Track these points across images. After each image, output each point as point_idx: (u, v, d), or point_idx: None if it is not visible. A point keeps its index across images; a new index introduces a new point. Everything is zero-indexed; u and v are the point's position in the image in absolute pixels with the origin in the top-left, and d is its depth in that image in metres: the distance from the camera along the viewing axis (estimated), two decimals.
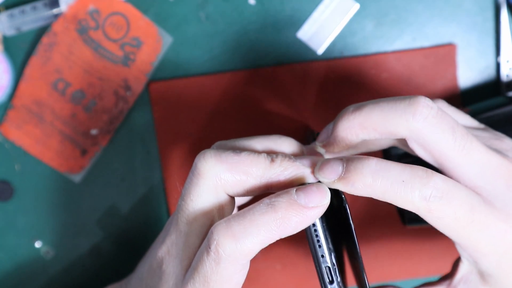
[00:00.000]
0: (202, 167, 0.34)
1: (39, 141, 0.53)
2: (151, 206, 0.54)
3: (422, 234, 0.53)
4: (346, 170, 0.33)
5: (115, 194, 0.54)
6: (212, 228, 0.32)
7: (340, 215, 0.36)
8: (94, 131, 0.53)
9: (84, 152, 0.53)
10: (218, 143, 0.37)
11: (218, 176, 0.34)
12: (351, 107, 0.36)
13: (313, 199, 0.32)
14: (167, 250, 0.36)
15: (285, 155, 0.34)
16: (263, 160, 0.34)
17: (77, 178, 0.53)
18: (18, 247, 0.54)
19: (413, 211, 0.34)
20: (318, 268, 0.34)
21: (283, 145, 0.37)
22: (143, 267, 0.40)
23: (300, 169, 0.34)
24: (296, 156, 0.35)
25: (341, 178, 0.33)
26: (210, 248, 0.32)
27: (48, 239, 0.54)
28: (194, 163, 0.34)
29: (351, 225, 0.35)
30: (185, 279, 0.35)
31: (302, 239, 0.53)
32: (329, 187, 0.34)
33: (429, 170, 0.33)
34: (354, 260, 0.38)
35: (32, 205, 0.54)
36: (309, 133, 0.50)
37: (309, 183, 0.34)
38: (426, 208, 0.33)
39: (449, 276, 0.39)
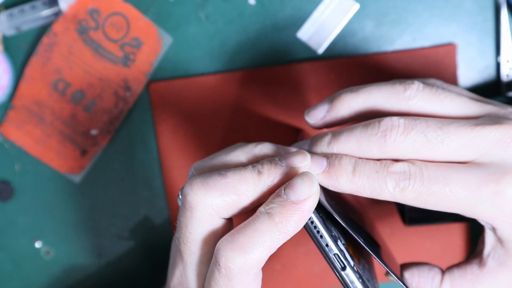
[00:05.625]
0: (193, 200, 0.33)
1: (39, 141, 0.53)
2: (151, 206, 0.54)
3: (422, 234, 0.53)
4: (330, 165, 0.35)
5: (115, 194, 0.54)
6: (218, 244, 0.32)
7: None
8: (94, 131, 0.53)
9: (84, 152, 0.53)
10: (196, 165, 0.36)
11: (210, 206, 0.33)
12: (326, 138, 0.36)
13: (301, 191, 0.32)
14: (178, 282, 0.37)
15: (270, 160, 0.34)
16: (250, 175, 0.34)
17: (77, 178, 0.53)
18: (18, 247, 0.54)
19: (391, 199, 0.35)
20: (326, 258, 0.34)
21: (263, 150, 0.36)
22: None
23: (286, 170, 0.34)
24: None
25: (325, 172, 0.35)
26: (219, 265, 0.32)
27: (48, 239, 0.54)
28: (183, 195, 0.34)
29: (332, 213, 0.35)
30: None
31: (301, 240, 0.53)
32: None
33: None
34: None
35: (32, 205, 0.54)
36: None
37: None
38: (399, 192, 0.34)
39: (478, 253, 0.39)
